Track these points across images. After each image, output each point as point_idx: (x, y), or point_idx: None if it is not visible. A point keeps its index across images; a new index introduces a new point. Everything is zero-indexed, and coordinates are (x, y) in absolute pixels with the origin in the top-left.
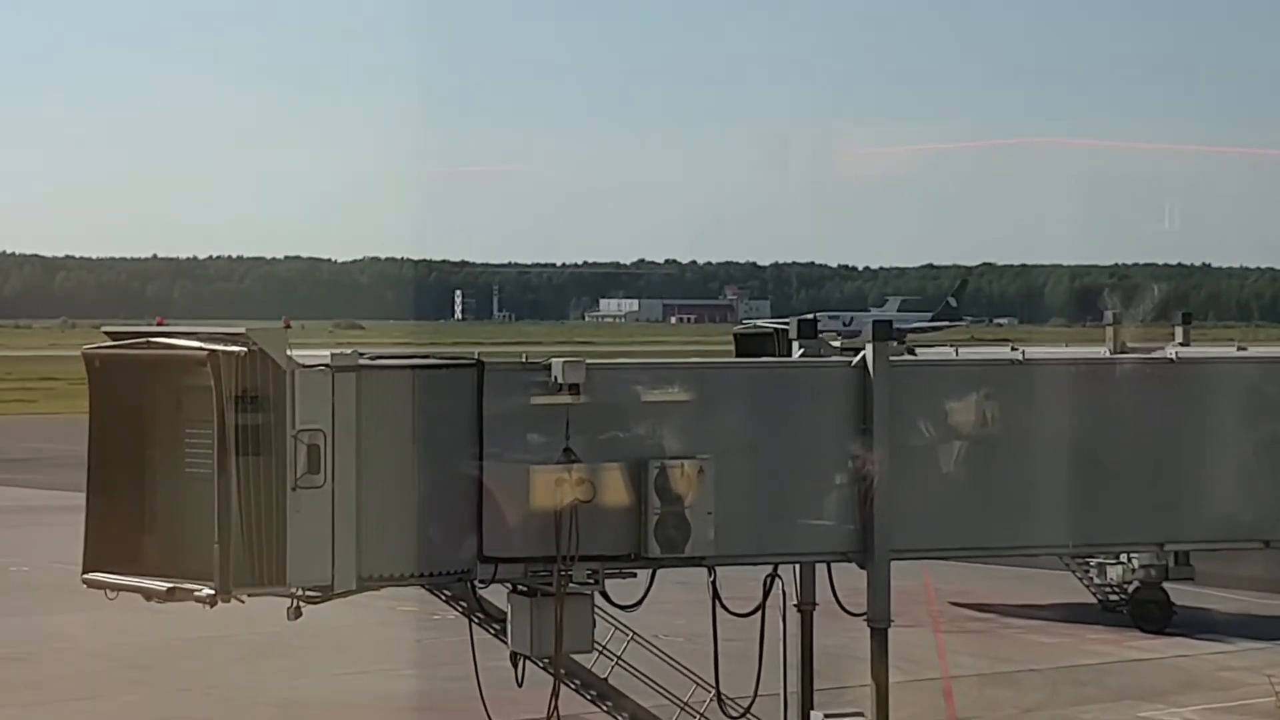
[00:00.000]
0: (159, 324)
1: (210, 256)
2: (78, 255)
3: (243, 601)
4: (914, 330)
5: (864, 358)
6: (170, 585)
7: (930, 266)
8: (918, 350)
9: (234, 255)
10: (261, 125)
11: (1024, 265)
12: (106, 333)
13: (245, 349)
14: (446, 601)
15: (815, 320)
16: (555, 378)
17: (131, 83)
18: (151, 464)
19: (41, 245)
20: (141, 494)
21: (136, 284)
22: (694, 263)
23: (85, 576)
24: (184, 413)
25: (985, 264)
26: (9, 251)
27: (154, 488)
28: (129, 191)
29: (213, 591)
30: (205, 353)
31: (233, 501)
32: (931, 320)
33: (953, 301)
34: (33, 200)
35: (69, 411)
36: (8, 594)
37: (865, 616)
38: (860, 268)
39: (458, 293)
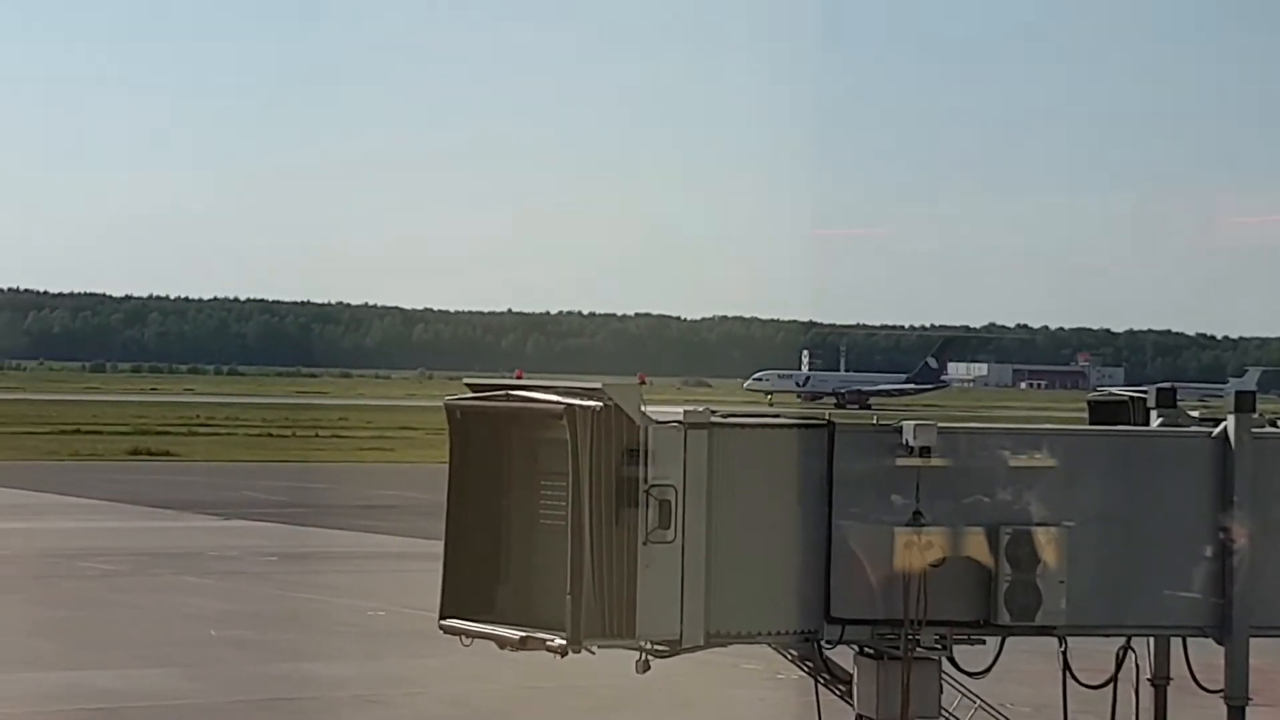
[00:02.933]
0: (518, 377)
1: (562, 311)
2: (436, 308)
3: (593, 652)
4: (878, 393)
5: (1225, 428)
6: (523, 634)
7: None
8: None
9: (585, 311)
10: (618, 185)
11: None
12: (467, 384)
13: (601, 404)
14: (792, 661)
15: (1174, 389)
16: (906, 440)
17: (491, 143)
18: (508, 514)
19: (402, 298)
20: (497, 543)
21: (491, 337)
22: (1045, 327)
23: (442, 623)
24: (540, 465)
25: None
26: (371, 303)
27: (510, 537)
28: (488, 247)
29: (564, 641)
30: (562, 407)
31: (585, 554)
32: (905, 382)
33: (932, 362)
34: (394, 254)
35: (426, 460)
36: (364, 638)
37: (1222, 694)
38: (1219, 336)
39: (804, 353)
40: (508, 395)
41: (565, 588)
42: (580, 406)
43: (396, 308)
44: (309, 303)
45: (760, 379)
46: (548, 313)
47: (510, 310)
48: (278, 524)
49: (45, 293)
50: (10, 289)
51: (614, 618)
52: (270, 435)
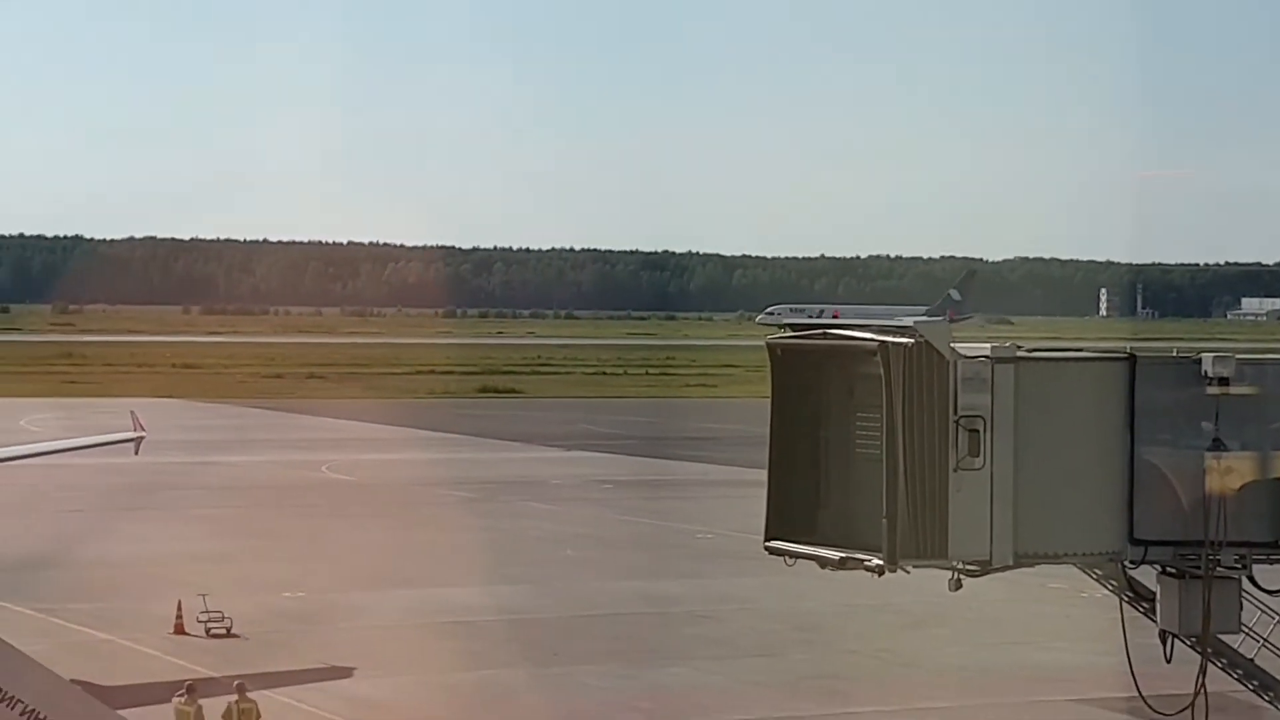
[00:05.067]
0: (835, 317)
1: (871, 256)
2: (754, 254)
3: (908, 572)
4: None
5: None
6: (842, 555)
7: None
8: None
9: (893, 255)
10: (926, 132)
11: None
12: (787, 324)
13: (912, 341)
14: (1097, 580)
15: None
16: (1205, 371)
17: (805, 96)
18: (826, 444)
19: (723, 245)
20: (816, 471)
21: (805, 281)
22: None
23: (767, 544)
24: (855, 399)
25: None
26: (695, 251)
27: (828, 466)
28: (802, 195)
29: (881, 562)
30: (877, 344)
31: (900, 480)
32: (927, 314)
33: (954, 294)
34: (715, 204)
35: (746, 396)
36: (694, 559)
37: None
38: None
39: (1103, 290)
40: (825, 334)
41: (881, 512)
42: (894, 343)
43: (717, 254)
44: (637, 251)
45: (772, 313)
46: (857, 257)
47: (823, 255)
48: (613, 454)
49: (401, 245)
50: (371, 242)
51: (927, 540)
52: (604, 374)
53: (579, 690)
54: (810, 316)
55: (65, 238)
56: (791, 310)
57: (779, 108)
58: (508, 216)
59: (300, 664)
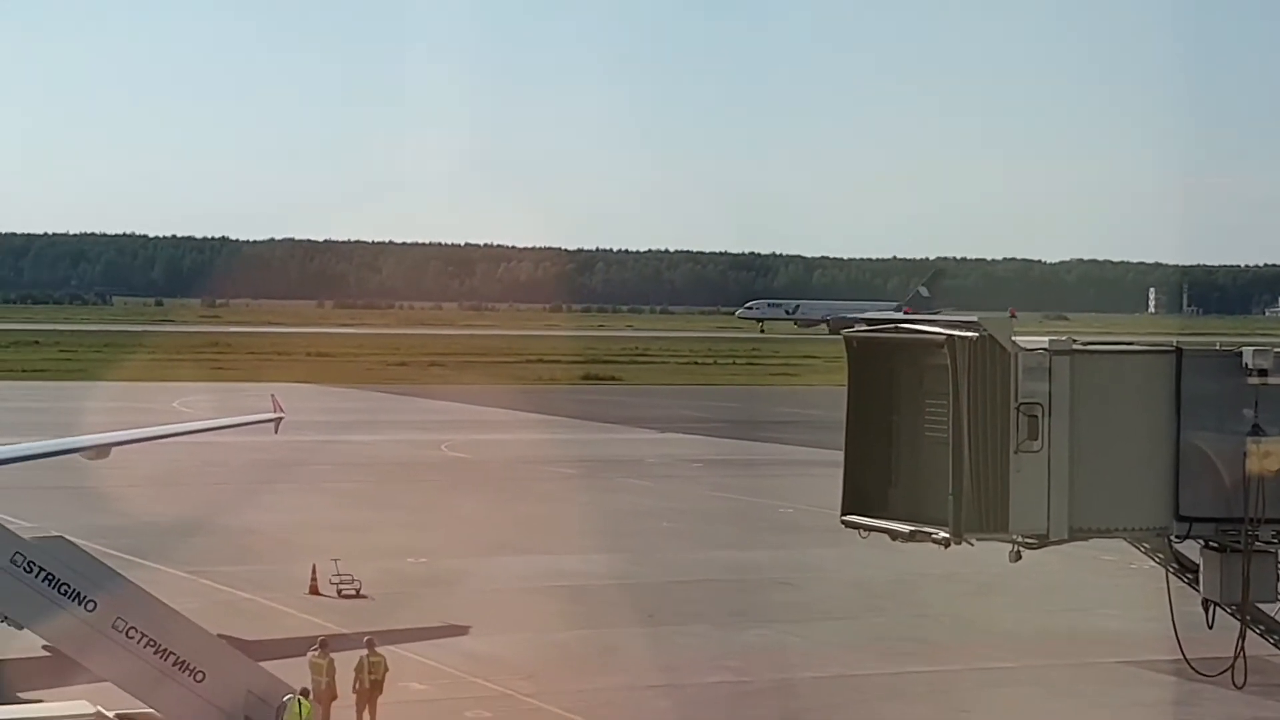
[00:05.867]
0: (905, 313)
1: (939, 257)
2: (832, 255)
3: (972, 544)
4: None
5: None
6: (912, 529)
7: None
8: None
9: (959, 257)
10: (988, 141)
11: None
12: (862, 318)
13: (977, 335)
14: (1145, 553)
15: None
16: (1246, 363)
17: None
18: (897, 428)
19: (804, 247)
20: (889, 452)
21: (879, 280)
22: None
23: (843, 519)
24: (924, 387)
25: None
26: (778, 253)
27: (899, 447)
28: (881, 198)
29: (948, 535)
30: (944, 337)
31: (965, 461)
32: (895, 310)
33: (923, 291)
34: (802, 207)
35: (823, 384)
36: (777, 531)
37: None
38: None
39: (1151, 290)
40: (897, 328)
41: (948, 489)
42: (960, 337)
43: (799, 256)
44: (727, 253)
45: (751, 307)
46: (926, 258)
47: (895, 257)
48: (703, 436)
49: (513, 246)
50: (486, 244)
51: (990, 515)
52: (695, 363)
53: (673, 649)
54: (787, 312)
55: (213, 239)
56: (769, 305)
57: (858, 119)
58: (610, 220)
59: (422, 622)
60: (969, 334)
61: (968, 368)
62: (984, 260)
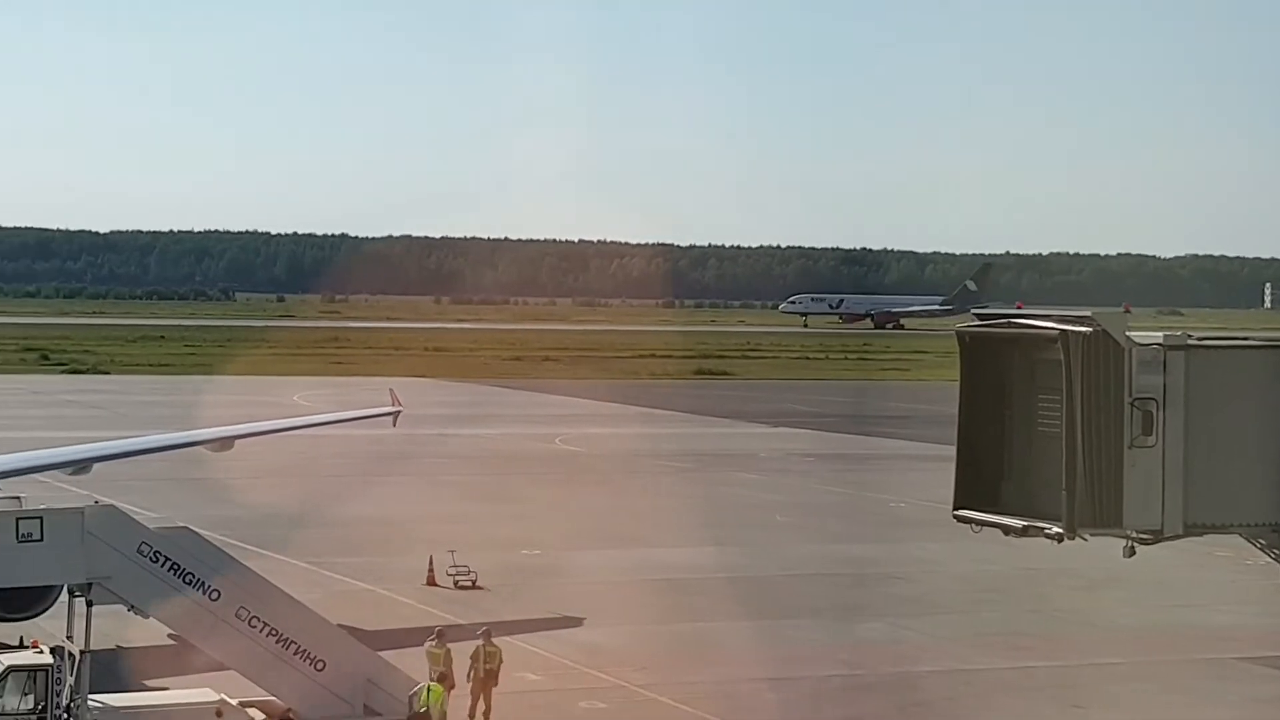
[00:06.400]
0: (1018, 308)
1: (1053, 252)
2: (944, 251)
3: (1085, 540)
4: (910, 314)
5: None
6: (1025, 524)
7: None
8: None
9: (1072, 252)
10: (1105, 134)
11: None
12: (975, 313)
13: (1091, 329)
14: (1260, 549)
15: None
16: None
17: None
18: (1009, 423)
19: (916, 242)
20: (1001, 447)
21: (991, 273)
22: None
23: (955, 513)
24: (1037, 381)
25: None
26: (890, 248)
27: (1011, 442)
28: (994, 192)
29: (1061, 530)
30: (1057, 332)
31: (1078, 456)
32: (941, 304)
33: (970, 285)
34: (914, 202)
35: (934, 379)
36: (890, 525)
37: None
38: None
39: (1267, 285)
40: (1009, 323)
41: (1061, 484)
42: (1073, 331)
43: (911, 252)
44: (838, 248)
45: (794, 302)
46: (1040, 254)
47: (1008, 252)
48: (814, 430)
49: (625, 243)
50: (599, 240)
51: (1104, 510)
52: (807, 358)
53: (786, 641)
54: (831, 306)
55: (333, 236)
56: (813, 300)
57: (971, 113)
58: (721, 216)
59: (536, 614)
60: (1083, 329)
61: (1081, 362)
62: (1097, 255)
